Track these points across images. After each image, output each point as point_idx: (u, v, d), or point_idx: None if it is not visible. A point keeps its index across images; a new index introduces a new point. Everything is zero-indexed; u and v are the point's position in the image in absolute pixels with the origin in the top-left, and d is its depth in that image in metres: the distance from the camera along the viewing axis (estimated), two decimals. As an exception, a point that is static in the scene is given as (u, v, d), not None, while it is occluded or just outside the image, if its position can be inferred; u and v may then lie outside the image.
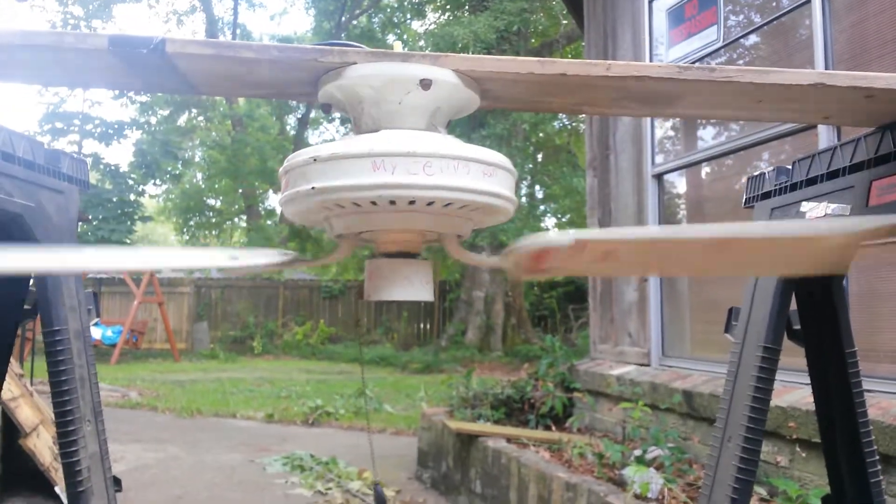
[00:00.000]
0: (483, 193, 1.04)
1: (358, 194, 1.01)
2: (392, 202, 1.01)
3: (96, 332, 14.50)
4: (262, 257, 1.26)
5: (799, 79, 1.10)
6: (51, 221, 1.27)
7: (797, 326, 1.57)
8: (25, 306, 1.33)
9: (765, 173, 1.56)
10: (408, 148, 1.01)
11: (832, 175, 1.35)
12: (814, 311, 1.55)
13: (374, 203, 1.01)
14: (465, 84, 1.09)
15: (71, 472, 1.24)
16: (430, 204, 1.01)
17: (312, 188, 1.02)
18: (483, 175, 1.04)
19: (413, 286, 1.14)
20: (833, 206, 1.36)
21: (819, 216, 1.39)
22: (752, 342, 1.48)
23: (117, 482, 1.39)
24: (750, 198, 1.59)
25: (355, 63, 1.03)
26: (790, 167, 1.49)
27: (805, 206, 1.44)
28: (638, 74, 1.08)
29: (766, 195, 1.55)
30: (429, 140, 1.04)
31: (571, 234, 0.93)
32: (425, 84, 1.06)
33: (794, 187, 1.47)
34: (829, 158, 1.37)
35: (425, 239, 1.16)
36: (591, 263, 0.96)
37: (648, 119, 4.40)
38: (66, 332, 1.27)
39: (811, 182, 1.41)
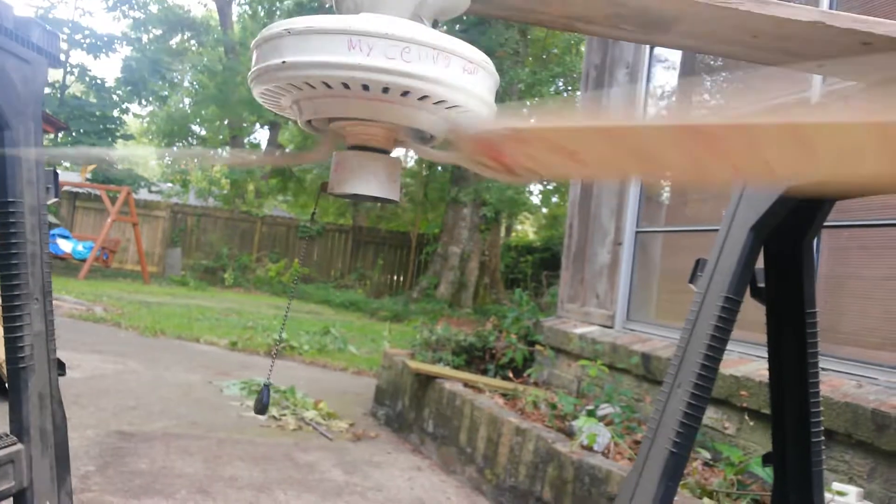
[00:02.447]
0: (462, 91, 1.00)
1: (330, 73, 0.97)
2: (365, 87, 0.97)
3: (67, 246, 14.33)
4: (241, 155, 1.21)
5: (798, 14, 1.07)
6: (15, 90, 1.21)
7: (761, 284, 1.57)
8: (-17, 180, 1.28)
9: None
10: (387, 30, 0.97)
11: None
12: (780, 268, 1.54)
13: (346, 86, 0.97)
14: (456, -24, 1.04)
15: (13, 348, 1.21)
16: (404, 94, 0.97)
17: (283, 62, 0.98)
18: (464, 71, 1.00)
19: (380, 182, 1.10)
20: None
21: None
22: (714, 292, 1.48)
23: (61, 365, 1.36)
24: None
25: (341, -68, 0.98)
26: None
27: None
28: (636, -13, 1.04)
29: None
30: (410, 26, 1.00)
31: (508, 124, 0.89)
32: (413, -32, 1.01)
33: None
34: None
35: (397, 136, 1.12)
36: (557, 162, 0.89)
37: (644, 81, 4.35)
38: (20, 206, 1.22)
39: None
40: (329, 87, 0.98)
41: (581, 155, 0.83)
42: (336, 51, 0.95)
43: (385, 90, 0.97)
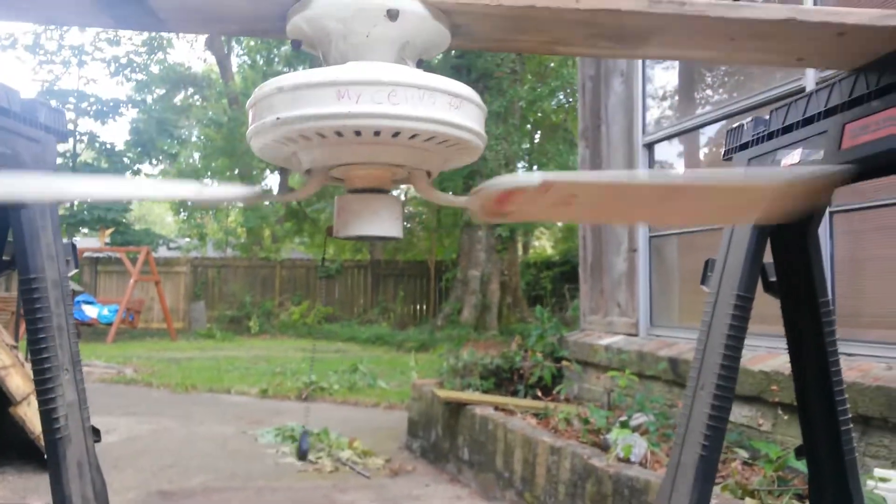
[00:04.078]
0: (449, 125, 1.03)
1: (322, 124, 1.00)
2: (357, 133, 1.00)
3: (92, 311, 14.51)
4: (230, 191, 1.26)
5: (769, 14, 1.10)
6: (28, 170, 1.26)
7: (773, 279, 1.58)
8: (4, 258, 1.33)
9: (743, 124, 1.56)
10: (373, 76, 1.00)
11: (807, 121, 1.34)
12: (788, 260, 1.55)
13: (339, 134, 1.00)
14: (434, 16, 1.08)
15: (48, 419, 1.24)
16: (395, 135, 1.01)
17: (277, 119, 1.01)
18: (450, 107, 1.04)
19: (382, 221, 1.13)
20: (807, 151, 1.36)
21: (792, 163, 1.39)
22: (726, 291, 1.48)
23: (96, 432, 1.39)
24: (729, 150, 1.59)
25: (322, -8, 1.02)
26: (768, 117, 1.48)
27: (780, 155, 1.44)
28: (608, 8, 1.08)
29: (744, 146, 1.54)
30: (394, 70, 1.03)
31: (539, 176, 0.95)
32: (392, 14, 1.05)
33: (770, 136, 1.47)
34: (804, 105, 1.37)
35: (395, 176, 1.15)
36: (553, 207, 1.00)
37: (640, 88, 4.38)
38: (43, 281, 1.26)
39: (787, 130, 1.41)
40: (323, 136, 1.02)
41: (576, 199, 0.98)
42: (326, 102, 0.98)
43: (376, 133, 1.00)
